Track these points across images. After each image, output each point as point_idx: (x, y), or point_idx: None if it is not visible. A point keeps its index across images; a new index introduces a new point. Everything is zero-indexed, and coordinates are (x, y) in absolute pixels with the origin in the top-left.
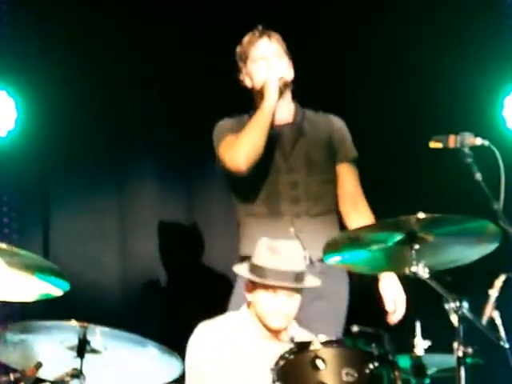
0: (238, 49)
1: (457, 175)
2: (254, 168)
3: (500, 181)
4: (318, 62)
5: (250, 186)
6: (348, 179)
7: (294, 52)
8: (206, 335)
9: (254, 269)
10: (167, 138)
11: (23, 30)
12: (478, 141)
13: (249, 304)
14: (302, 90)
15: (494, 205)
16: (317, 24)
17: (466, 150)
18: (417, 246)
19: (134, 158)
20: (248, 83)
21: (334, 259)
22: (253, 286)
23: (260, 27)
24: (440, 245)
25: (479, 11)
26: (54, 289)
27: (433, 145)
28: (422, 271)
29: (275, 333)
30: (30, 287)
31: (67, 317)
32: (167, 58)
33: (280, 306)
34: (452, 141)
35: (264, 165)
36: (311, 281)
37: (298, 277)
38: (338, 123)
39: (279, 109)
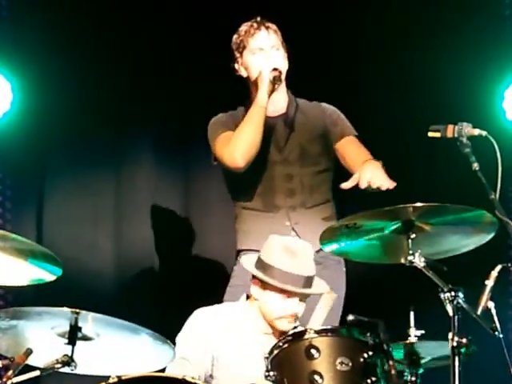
0: (235, 38)
1: (455, 165)
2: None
3: (497, 171)
4: (318, 50)
5: (246, 180)
6: (350, 148)
7: (297, 39)
8: (200, 322)
9: (268, 269)
10: (165, 122)
11: (21, 14)
12: (476, 131)
13: (248, 296)
14: (301, 78)
15: (491, 195)
16: (317, 9)
17: (464, 139)
18: (413, 235)
19: (131, 142)
20: (243, 73)
21: (331, 247)
22: (262, 285)
23: (258, 18)
24: (436, 234)
25: (480, 2)
26: (46, 274)
27: (431, 134)
28: (418, 260)
29: (278, 330)
30: (21, 272)
31: (60, 302)
32: (169, 42)
33: (291, 309)
34: (450, 130)
35: (259, 158)
36: (320, 286)
37: (310, 281)
38: (329, 109)
39: (273, 100)
